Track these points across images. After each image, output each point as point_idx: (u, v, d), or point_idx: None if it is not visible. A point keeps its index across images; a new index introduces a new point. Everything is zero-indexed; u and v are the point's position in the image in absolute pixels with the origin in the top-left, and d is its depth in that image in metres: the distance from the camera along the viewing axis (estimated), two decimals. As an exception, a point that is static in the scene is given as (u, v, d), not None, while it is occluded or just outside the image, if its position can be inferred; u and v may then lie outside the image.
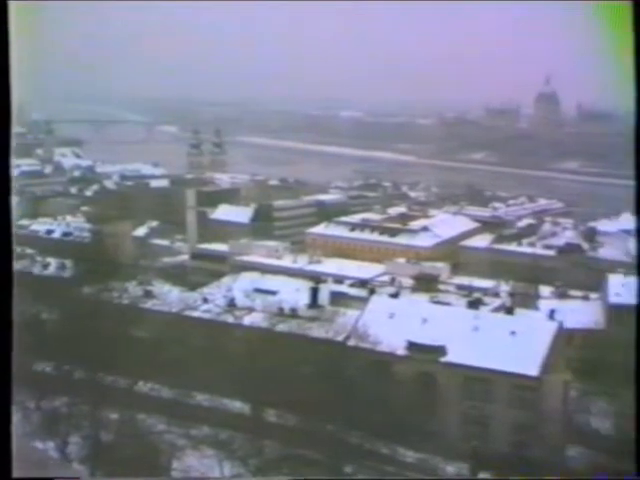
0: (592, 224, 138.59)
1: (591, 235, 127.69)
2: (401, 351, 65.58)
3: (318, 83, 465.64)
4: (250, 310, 75.00)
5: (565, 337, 70.12)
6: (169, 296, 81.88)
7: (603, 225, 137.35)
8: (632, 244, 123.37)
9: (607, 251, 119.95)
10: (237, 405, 65.85)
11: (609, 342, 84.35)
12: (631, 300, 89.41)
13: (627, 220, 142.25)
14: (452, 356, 64.38)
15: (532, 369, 62.55)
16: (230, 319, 74.41)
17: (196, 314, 76.52)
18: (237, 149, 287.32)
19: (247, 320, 73.26)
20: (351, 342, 66.69)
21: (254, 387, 62.22)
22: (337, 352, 65.42)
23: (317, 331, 68.35)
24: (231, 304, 76.85)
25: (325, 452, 55.77)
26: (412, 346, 65.24)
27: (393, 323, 67.30)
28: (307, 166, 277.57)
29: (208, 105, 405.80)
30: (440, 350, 64.58)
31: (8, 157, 20.77)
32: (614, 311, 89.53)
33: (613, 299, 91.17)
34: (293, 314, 72.83)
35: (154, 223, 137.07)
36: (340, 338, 67.40)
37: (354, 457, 56.75)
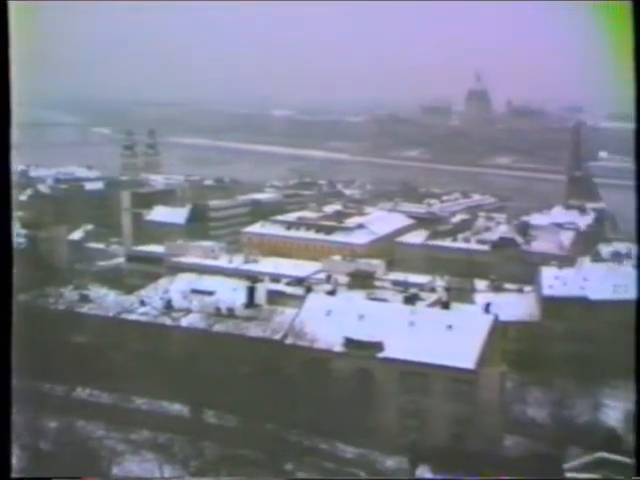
0: (525, 218, 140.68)
1: (524, 229, 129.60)
2: (338, 348, 65.96)
3: (250, 82, 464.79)
4: (187, 311, 74.70)
5: (500, 330, 70.88)
6: (105, 300, 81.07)
7: (536, 219, 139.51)
8: (564, 237, 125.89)
9: (540, 244, 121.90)
10: (176, 407, 65.55)
11: (543, 333, 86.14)
12: (564, 292, 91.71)
13: (559, 213, 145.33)
14: (389, 351, 64.89)
15: (468, 362, 63.31)
16: (168, 321, 74.04)
17: (133, 317, 75.96)
18: (171, 150, 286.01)
19: (184, 321, 72.92)
20: (289, 340, 66.92)
21: (193, 389, 62.09)
22: (275, 351, 65.60)
23: (254, 330, 68.40)
24: (168, 306, 76.36)
25: (265, 451, 55.92)
26: (349, 342, 65.68)
27: (330, 320, 67.62)
28: (242, 165, 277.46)
29: (142, 106, 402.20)
30: (377, 346, 65.08)
31: (8, 160, 20.52)
32: (548, 303, 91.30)
33: (547, 291, 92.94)
34: (230, 314, 72.70)
35: (89, 226, 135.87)
36: (277, 337, 67.57)
37: (294, 455, 56.96)
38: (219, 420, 61.60)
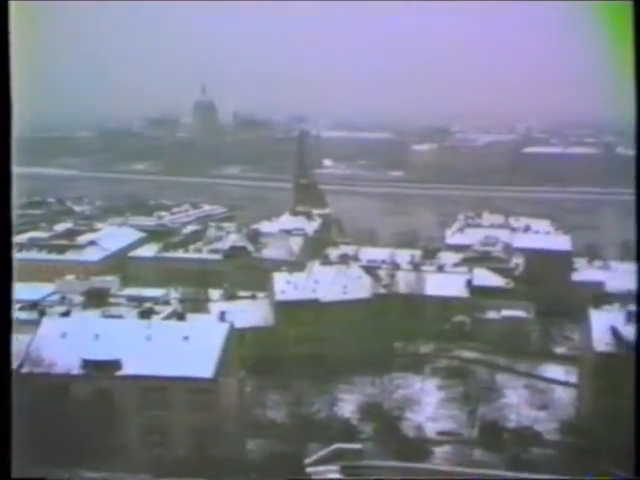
0: (255, 226, 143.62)
1: (254, 237, 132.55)
2: (76, 370, 64.83)
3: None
4: None
5: (237, 337, 72.51)
6: None
7: (265, 227, 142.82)
8: (293, 242, 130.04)
9: (270, 251, 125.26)
10: None
11: (277, 337, 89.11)
12: (296, 296, 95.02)
13: (287, 220, 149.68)
14: (128, 369, 64.46)
15: (207, 371, 64.02)
16: None
17: None
18: None
19: None
20: (25, 369, 64.83)
21: None
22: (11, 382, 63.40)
23: (-12, 362, 65.79)
24: None
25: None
26: (86, 364, 64.64)
27: (66, 343, 66.00)
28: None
29: None
30: (115, 364, 64.47)
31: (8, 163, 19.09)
32: (281, 307, 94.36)
33: (279, 296, 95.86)
34: (-40, 347, 69.55)
35: None
36: (14, 366, 65.37)
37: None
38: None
